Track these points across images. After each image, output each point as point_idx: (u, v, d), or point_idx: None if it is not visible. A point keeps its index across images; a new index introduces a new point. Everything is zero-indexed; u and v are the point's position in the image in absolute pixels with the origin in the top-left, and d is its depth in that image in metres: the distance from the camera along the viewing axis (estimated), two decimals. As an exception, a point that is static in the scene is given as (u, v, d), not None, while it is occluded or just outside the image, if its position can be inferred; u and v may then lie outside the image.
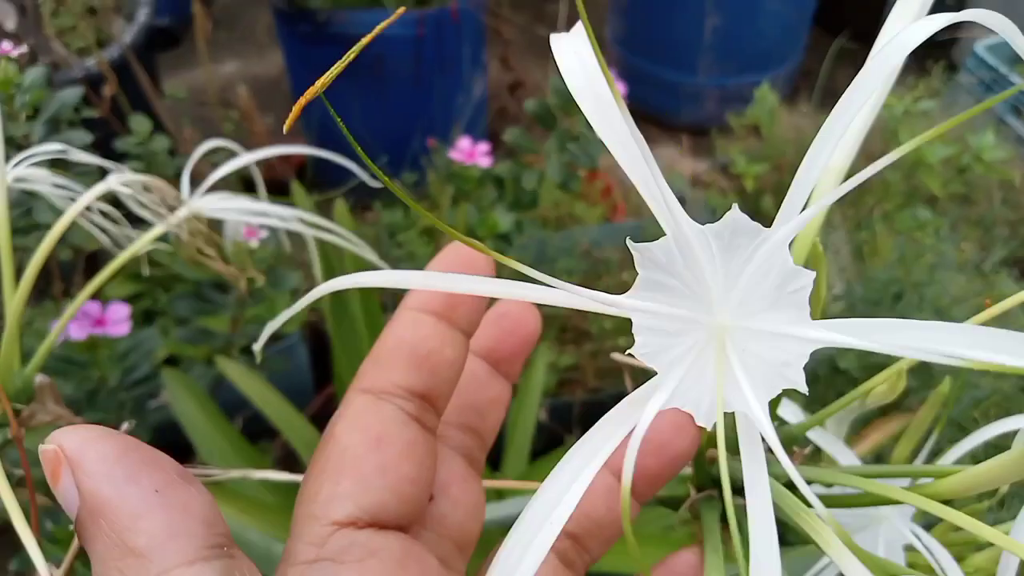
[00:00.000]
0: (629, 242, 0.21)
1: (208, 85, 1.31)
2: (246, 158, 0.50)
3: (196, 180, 0.51)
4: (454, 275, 0.25)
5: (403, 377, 0.27)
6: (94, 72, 1.15)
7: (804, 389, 0.19)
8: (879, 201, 1.14)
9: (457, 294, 0.27)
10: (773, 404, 0.28)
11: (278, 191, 1.25)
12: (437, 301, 0.27)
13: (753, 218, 0.20)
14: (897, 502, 0.25)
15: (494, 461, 0.96)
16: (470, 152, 1.12)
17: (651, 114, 2.00)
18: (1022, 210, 1.45)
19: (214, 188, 0.50)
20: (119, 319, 0.81)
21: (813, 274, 0.19)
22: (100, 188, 0.46)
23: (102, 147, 0.61)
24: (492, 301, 0.29)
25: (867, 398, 0.30)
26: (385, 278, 0.25)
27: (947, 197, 1.24)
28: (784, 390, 0.20)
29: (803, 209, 0.20)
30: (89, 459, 0.22)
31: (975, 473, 0.25)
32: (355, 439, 0.26)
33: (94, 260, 1.22)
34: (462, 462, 0.30)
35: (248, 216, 0.48)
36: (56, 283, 1.08)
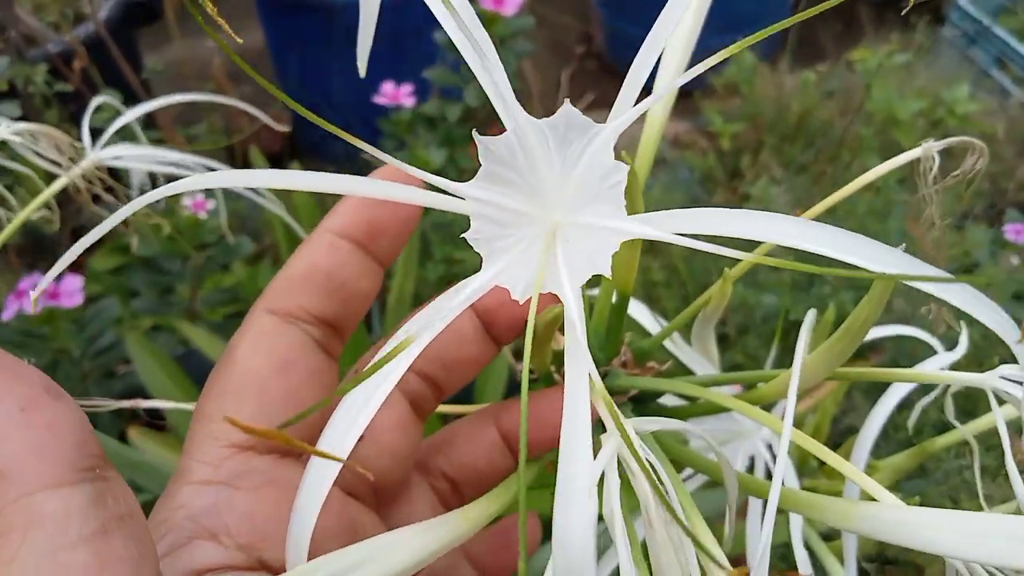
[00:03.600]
0: (475, 134, 0.21)
1: (184, 59, 1.31)
2: (141, 108, 0.51)
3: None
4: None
5: (313, 303, 0.25)
6: (71, 47, 1.15)
7: (608, 273, 0.20)
8: (855, 157, 1.14)
9: (379, 223, 0.26)
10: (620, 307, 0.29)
11: (271, 163, 1.25)
12: (358, 228, 0.26)
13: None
14: (726, 409, 0.26)
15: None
16: (394, 95, 1.11)
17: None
18: (1003, 163, 1.45)
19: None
20: (72, 291, 0.82)
21: (627, 168, 0.20)
22: (-11, 140, 0.45)
23: (76, 122, 0.63)
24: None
25: (708, 307, 0.32)
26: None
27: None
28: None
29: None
30: None
31: (787, 376, 0.25)
32: (260, 361, 0.24)
33: (78, 235, 1.23)
34: (406, 408, 0.28)
35: (150, 164, 0.48)
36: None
